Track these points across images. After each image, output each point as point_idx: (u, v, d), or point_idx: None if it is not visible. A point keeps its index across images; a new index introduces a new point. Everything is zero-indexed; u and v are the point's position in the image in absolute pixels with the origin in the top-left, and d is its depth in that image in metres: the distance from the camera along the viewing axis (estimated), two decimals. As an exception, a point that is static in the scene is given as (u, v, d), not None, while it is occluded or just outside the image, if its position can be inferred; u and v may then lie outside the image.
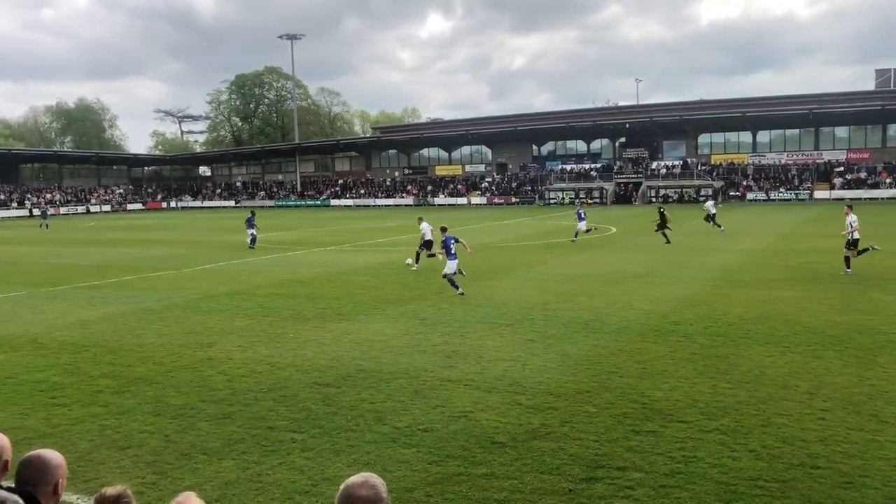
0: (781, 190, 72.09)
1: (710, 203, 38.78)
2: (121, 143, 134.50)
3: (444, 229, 20.60)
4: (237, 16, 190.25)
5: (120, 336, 14.71)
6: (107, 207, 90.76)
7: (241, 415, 9.46)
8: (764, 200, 70.72)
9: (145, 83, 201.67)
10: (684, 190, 75.24)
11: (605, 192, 78.20)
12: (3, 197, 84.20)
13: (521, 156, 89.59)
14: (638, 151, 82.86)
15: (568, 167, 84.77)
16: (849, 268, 21.00)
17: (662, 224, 31.60)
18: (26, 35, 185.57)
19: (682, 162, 79.88)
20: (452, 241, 19.44)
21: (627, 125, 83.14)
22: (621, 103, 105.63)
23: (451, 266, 19.11)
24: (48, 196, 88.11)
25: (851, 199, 61.52)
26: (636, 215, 51.47)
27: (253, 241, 33.38)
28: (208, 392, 10.54)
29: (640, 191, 77.23)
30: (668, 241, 30.49)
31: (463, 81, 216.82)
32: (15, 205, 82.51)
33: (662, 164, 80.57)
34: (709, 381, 10.50)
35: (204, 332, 14.92)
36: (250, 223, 33.63)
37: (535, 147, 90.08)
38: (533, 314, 15.85)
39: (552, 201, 78.56)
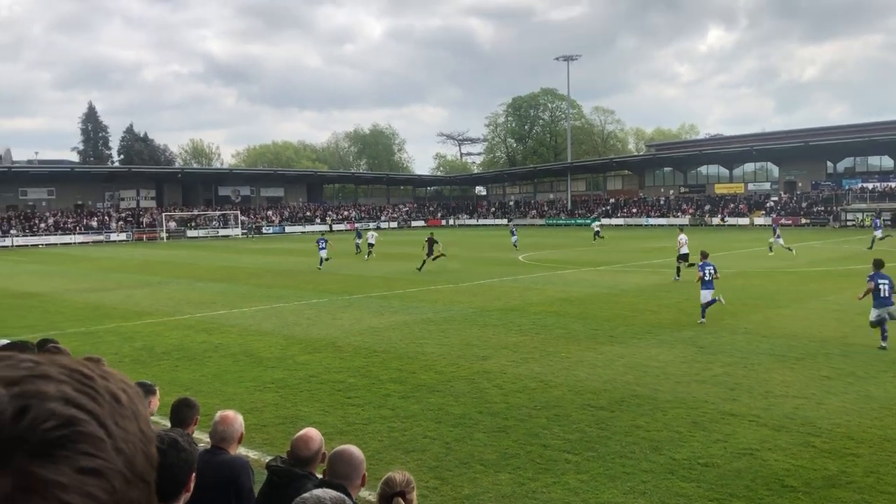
0: None
1: (596, 224, 54.62)
2: (407, 165, 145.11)
3: (359, 231, 33.23)
4: (514, 41, 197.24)
5: (405, 344, 15.80)
6: (394, 224, 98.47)
7: (516, 430, 9.66)
8: None
9: (428, 109, 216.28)
10: None
11: (913, 213, 68.99)
12: (309, 213, 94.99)
13: (812, 173, 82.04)
14: (959, 167, 72.14)
15: (869, 185, 76.10)
16: (679, 275, 25.93)
17: (430, 252, 32.72)
18: (329, 69, 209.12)
19: None
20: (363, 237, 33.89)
21: (946, 137, 72.69)
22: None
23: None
24: (344, 213, 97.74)
25: None
26: (956, 240, 44.68)
27: (322, 261, 35.27)
28: (484, 404, 10.92)
29: (962, 212, 67.01)
30: (421, 268, 31.99)
31: (745, 95, 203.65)
32: (318, 220, 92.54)
33: None
34: None
35: (480, 344, 15.52)
36: (322, 244, 35.75)
37: (829, 164, 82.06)
38: (828, 348, 14.38)
39: (849, 223, 70.92)
